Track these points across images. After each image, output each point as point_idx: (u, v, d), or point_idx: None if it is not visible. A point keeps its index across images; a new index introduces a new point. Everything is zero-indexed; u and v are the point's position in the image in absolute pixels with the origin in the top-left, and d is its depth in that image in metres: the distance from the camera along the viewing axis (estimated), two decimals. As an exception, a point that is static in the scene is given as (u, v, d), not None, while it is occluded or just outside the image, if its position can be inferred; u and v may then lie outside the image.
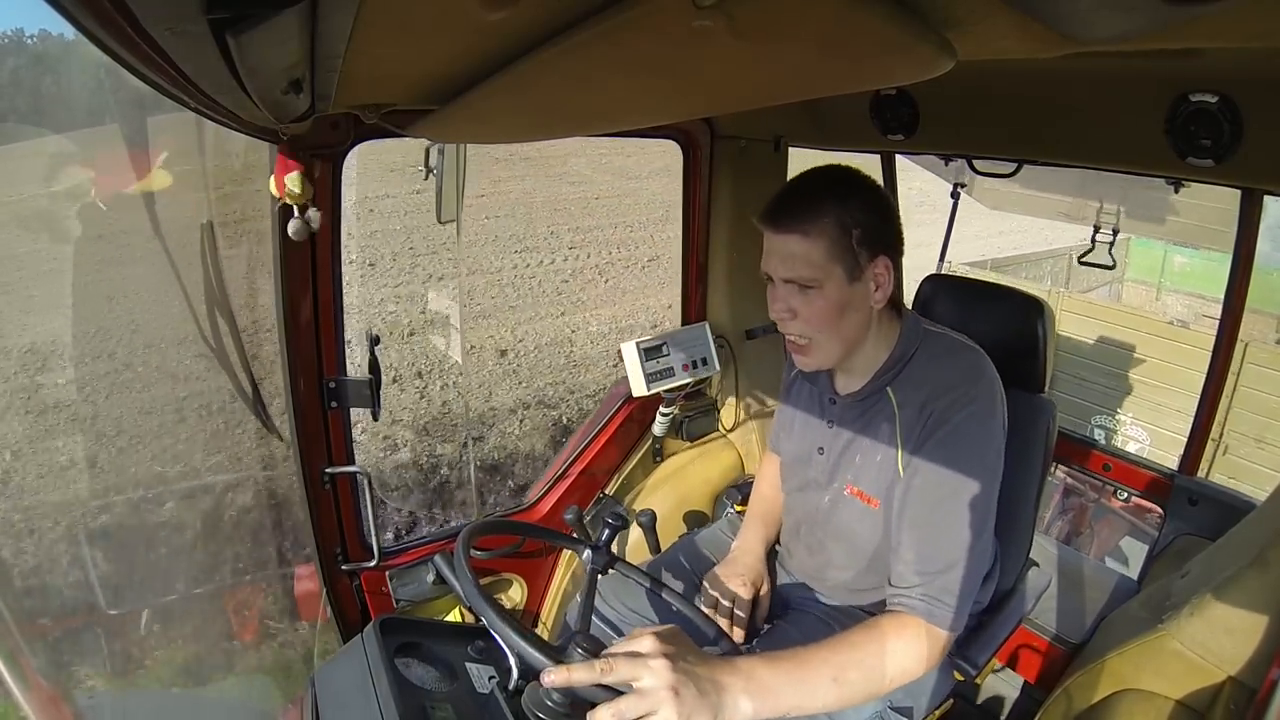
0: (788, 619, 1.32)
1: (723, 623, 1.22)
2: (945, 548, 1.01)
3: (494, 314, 7.00)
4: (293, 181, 1.07)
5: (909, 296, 1.26)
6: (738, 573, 1.29)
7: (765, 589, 1.31)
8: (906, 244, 1.12)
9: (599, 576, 1.20)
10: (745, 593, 1.26)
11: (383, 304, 7.03)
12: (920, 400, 1.06)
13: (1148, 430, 4.42)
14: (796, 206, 1.04)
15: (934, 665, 1.01)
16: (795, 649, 0.92)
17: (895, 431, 1.09)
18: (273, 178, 1.10)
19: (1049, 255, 7.42)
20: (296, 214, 1.12)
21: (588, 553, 1.22)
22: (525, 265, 8.21)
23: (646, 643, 0.80)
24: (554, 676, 0.79)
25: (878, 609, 1.22)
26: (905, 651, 0.96)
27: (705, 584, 1.31)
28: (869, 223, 1.04)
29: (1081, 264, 2.43)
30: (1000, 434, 1.07)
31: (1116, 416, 4.53)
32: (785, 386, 1.36)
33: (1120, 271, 7.32)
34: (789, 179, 1.09)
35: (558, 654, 0.87)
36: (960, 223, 2.94)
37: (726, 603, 1.25)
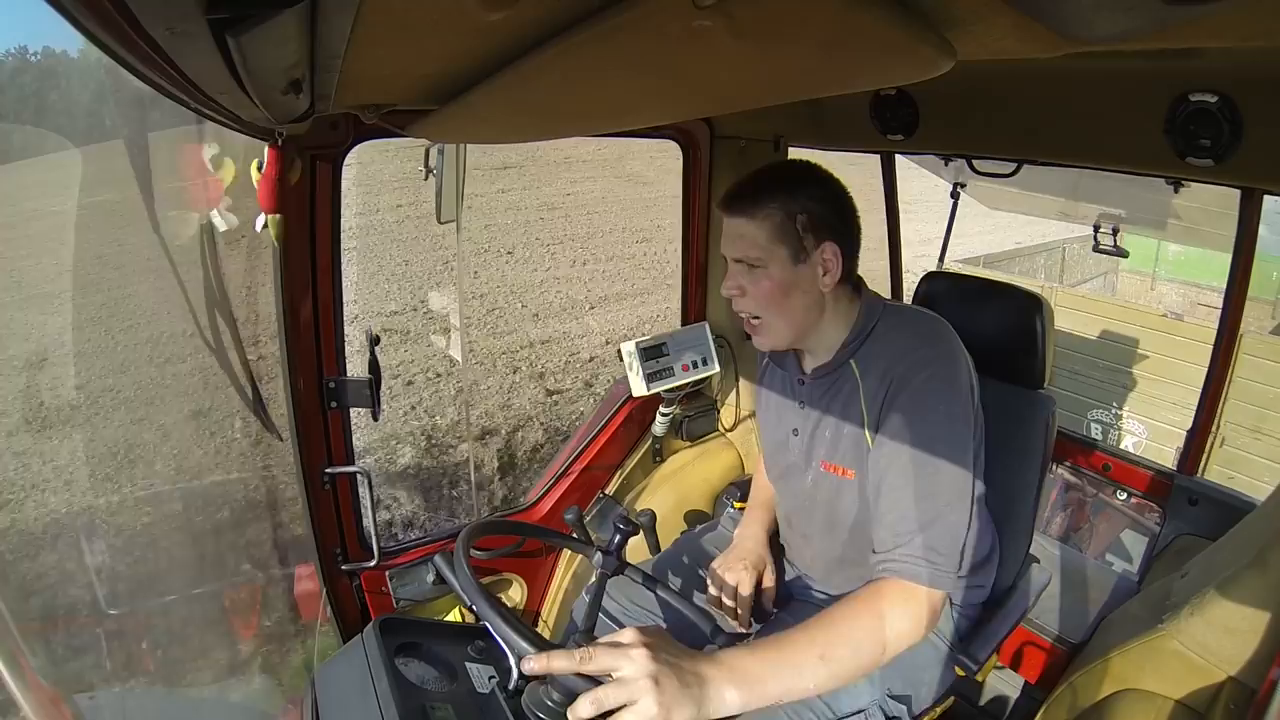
0: (788, 611, 1.32)
1: (726, 609, 1.24)
2: (922, 507, 1.00)
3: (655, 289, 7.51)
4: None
5: (908, 294, 1.26)
6: (739, 558, 1.31)
7: (770, 575, 1.31)
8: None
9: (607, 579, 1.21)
10: (747, 577, 1.27)
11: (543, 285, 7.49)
12: (882, 368, 1.10)
13: (1144, 424, 4.41)
14: (746, 193, 1.12)
15: (930, 626, 0.98)
16: (777, 635, 0.90)
17: (860, 400, 1.13)
18: (259, 184, 1.09)
19: (1042, 249, 7.41)
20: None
21: (599, 556, 1.22)
22: (650, 253, 8.70)
23: (628, 634, 0.80)
24: (533, 664, 0.80)
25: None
26: (896, 615, 0.94)
27: (710, 574, 1.31)
28: (816, 211, 1.10)
29: (1097, 250, 2.43)
30: (967, 394, 1.08)
31: (1113, 411, 4.52)
32: (759, 372, 1.38)
33: (1114, 262, 7.30)
34: (744, 175, 1.17)
35: (547, 646, 0.88)
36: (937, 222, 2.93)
37: (729, 592, 1.26)
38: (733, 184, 1.15)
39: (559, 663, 0.79)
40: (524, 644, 0.89)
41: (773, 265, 1.11)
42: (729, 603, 1.25)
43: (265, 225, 1.13)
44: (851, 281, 1.17)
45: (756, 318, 1.15)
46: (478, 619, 1.03)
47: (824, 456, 1.19)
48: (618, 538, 1.23)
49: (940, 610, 1.01)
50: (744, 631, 1.30)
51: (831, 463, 1.18)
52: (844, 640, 0.90)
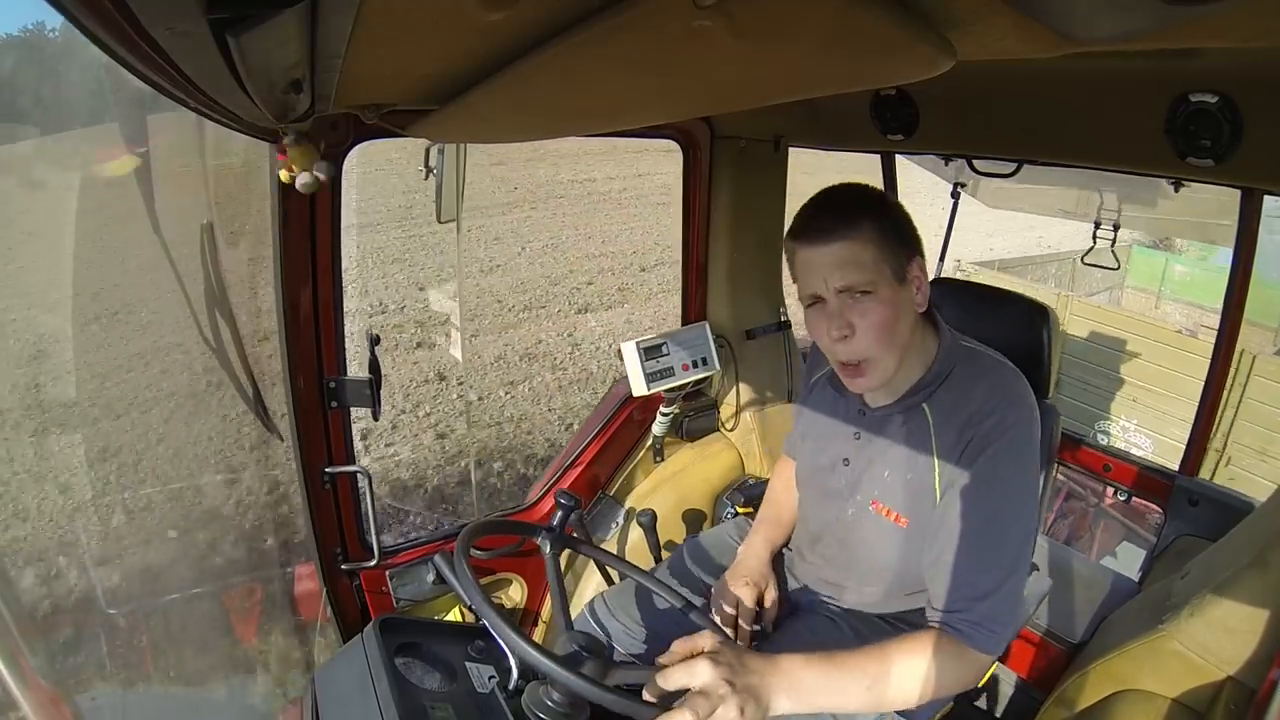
0: (799, 619, 1.31)
1: (729, 630, 1.22)
2: (988, 574, 1.00)
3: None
4: (294, 155, 1.05)
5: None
6: (741, 576, 1.29)
7: (772, 594, 1.30)
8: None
9: (608, 584, 1.21)
10: (749, 594, 1.26)
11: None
12: (960, 422, 1.05)
13: (1151, 438, 4.41)
14: (837, 215, 1.02)
15: (969, 686, 1.03)
16: (834, 653, 0.95)
17: (931, 450, 1.07)
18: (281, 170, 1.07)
19: (1054, 258, 7.43)
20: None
21: (543, 535, 1.22)
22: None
23: (704, 673, 0.84)
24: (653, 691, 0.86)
25: (890, 619, 1.22)
26: (946, 670, 0.97)
27: (713, 592, 1.30)
28: (898, 224, 1.04)
29: (1085, 264, 2.43)
30: (1038, 453, 1.06)
31: (1121, 423, 4.52)
32: (805, 389, 1.34)
33: (1121, 278, 7.32)
34: (809, 199, 1.08)
35: (540, 646, 0.89)
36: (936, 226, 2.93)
37: (731, 610, 1.25)
38: (806, 214, 1.05)
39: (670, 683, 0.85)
40: (524, 644, 0.89)
41: (882, 288, 1.01)
42: (729, 619, 1.24)
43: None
44: (927, 309, 1.10)
45: (860, 359, 1.04)
46: (478, 619, 1.03)
47: (877, 496, 1.14)
48: (559, 513, 1.24)
49: (985, 670, 1.04)
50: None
51: (885, 505, 1.13)
52: (892, 676, 0.95)
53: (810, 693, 0.90)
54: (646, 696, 0.86)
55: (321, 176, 1.07)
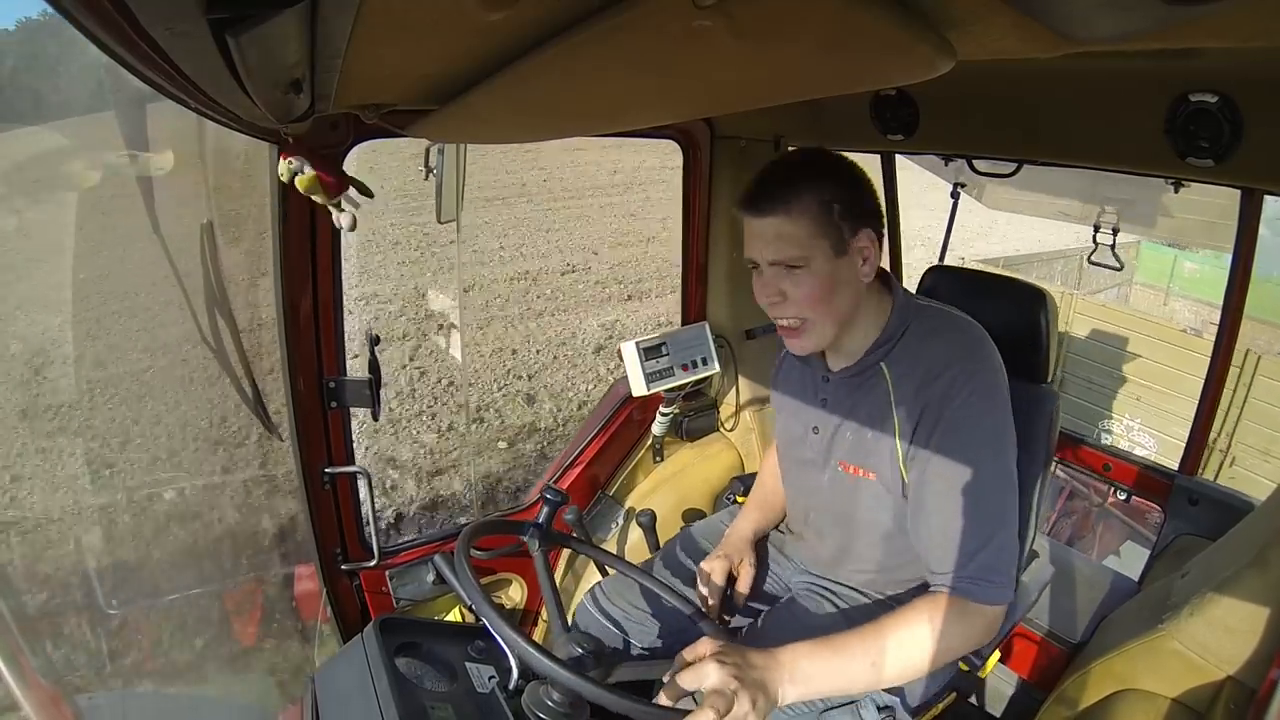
0: (795, 605, 1.32)
1: (700, 597, 1.26)
2: (976, 529, 1.01)
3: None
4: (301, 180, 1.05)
5: (911, 288, 1.26)
6: (721, 552, 1.32)
7: (747, 570, 1.32)
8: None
9: (602, 575, 1.21)
10: (720, 566, 1.29)
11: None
12: (917, 379, 1.07)
13: (1155, 437, 4.40)
14: (774, 188, 1.04)
15: (991, 636, 1.04)
16: (833, 637, 0.96)
17: (891, 406, 1.10)
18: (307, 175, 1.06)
19: (1059, 256, 7.41)
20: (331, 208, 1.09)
21: (531, 532, 1.22)
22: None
23: (714, 674, 0.86)
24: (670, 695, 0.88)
25: (887, 594, 1.23)
26: (952, 631, 0.98)
27: (698, 572, 1.32)
28: (848, 197, 1.05)
29: (1091, 264, 2.43)
30: (1006, 402, 1.07)
31: (1125, 422, 4.52)
32: (775, 369, 1.36)
33: (1129, 274, 7.29)
34: (761, 170, 1.10)
35: (540, 647, 0.89)
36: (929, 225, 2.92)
37: (703, 579, 1.28)
38: (752, 182, 1.07)
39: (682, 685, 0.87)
40: (525, 644, 0.89)
41: (815, 262, 1.04)
42: (703, 590, 1.27)
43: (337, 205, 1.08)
44: (881, 275, 1.13)
45: (797, 321, 1.08)
46: (478, 619, 1.03)
47: (843, 457, 1.17)
48: (544, 510, 1.24)
49: (1000, 621, 1.04)
50: (728, 624, 1.31)
51: (850, 464, 1.16)
52: (895, 649, 0.96)
53: (814, 680, 0.92)
54: (663, 700, 0.88)
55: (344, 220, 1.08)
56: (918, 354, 1.09)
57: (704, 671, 0.86)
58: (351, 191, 1.07)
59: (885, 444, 1.10)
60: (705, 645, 0.90)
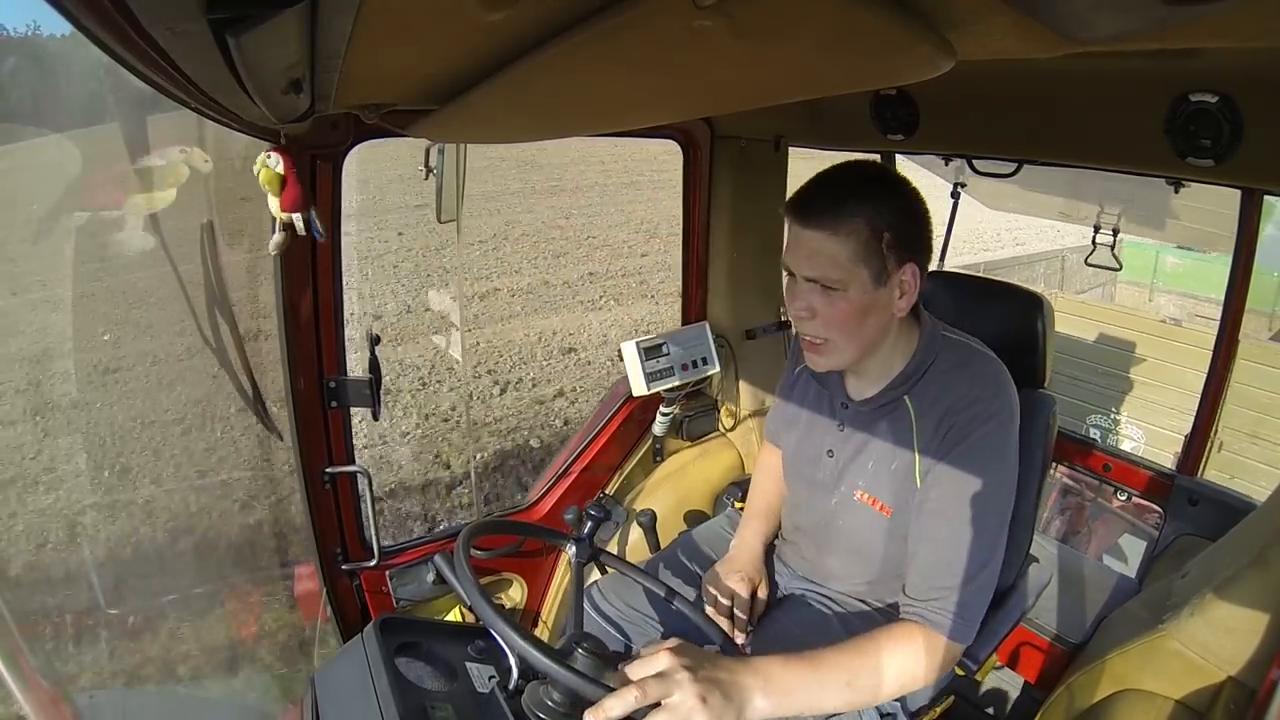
0: (785, 611, 1.32)
1: (723, 622, 1.22)
2: (964, 562, 1.01)
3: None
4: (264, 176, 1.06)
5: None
6: (735, 570, 1.29)
7: (763, 588, 1.31)
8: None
9: (601, 574, 1.21)
10: (744, 590, 1.26)
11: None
12: (940, 412, 1.05)
13: (1142, 429, 4.42)
14: (828, 202, 0.99)
15: (942, 675, 1.04)
16: (810, 652, 0.94)
17: (913, 440, 1.08)
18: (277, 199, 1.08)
19: (1042, 257, 7.41)
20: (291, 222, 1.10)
21: (572, 547, 1.23)
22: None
23: (664, 660, 0.83)
24: (594, 717, 0.80)
25: (879, 604, 1.22)
26: (917, 661, 0.98)
27: (705, 583, 1.30)
28: (900, 226, 1.00)
29: (1089, 265, 2.43)
30: (1017, 444, 1.07)
31: (1111, 415, 4.53)
32: (789, 380, 1.34)
33: (1112, 274, 7.30)
34: (821, 170, 1.04)
35: (560, 655, 0.88)
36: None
37: (725, 601, 1.25)
38: (807, 186, 1.03)
39: (616, 708, 0.79)
40: (524, 644, 0.89)
41: (853, 288, 1.00)
42: (724, 621, 1.23)
43: (286, 228, 1.10)
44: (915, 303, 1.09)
45: (821, 339, 1.06)
46: (478, 619, 1.03)
47: (861, 486, 1.15)
48: (589, 524, 1.25)
49: (956, 659, 1.04)
50: (738, 638, 1.30)
51: (869, 495, 1.14)
52: (871, 672, 0.95)
53: (788, 693, 0.88)
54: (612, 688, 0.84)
55: (316, 233, 1.11)
56: (943, 388, 1.07)
57: (654, 658, 0.83)
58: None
59: (906, 478, 1.09)
60: (671, 641, 0.88)
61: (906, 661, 0.97)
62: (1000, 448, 1.04)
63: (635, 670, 0.83)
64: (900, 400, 1.10)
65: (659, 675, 0.81)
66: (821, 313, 1.03)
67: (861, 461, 1.15)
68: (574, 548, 1.23)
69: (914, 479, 1.08)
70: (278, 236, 1.11)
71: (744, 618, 1.24)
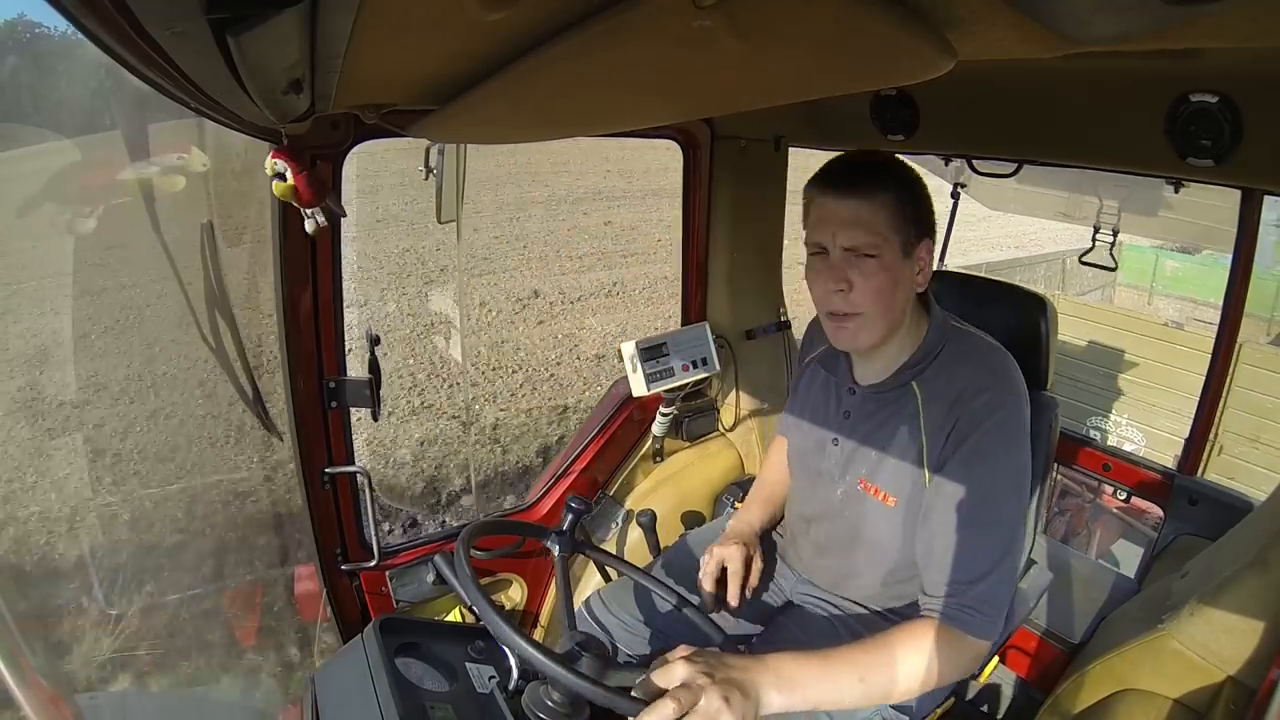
0: (790, 615, 1.31)
1: (708, 584, 1.23)
2: (980, 558, 1.00)
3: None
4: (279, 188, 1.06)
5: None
6: (731, 539, 1.28)
7: (756, 562, 1.28)
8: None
9: (605, 580, 1.21)
10: (736, 553, 1.24)
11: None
12: (948, 401, 1.05)
13: (1143, 431, 4.42)
14: (861, 172, 1.03)
15: (968, 673, 1.03)
16: (823, 650, 0.95)
17: (920, 429, 1.08)
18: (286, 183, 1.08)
19: (1043, 260, 7.43)
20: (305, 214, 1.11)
21: (553, 538, 1.23)
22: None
23: (683, 669, 0.84)
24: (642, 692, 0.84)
25: (889, 612, 1.22)
26: (940, 659, 0.97)
27: (701, 561, 1.29)
28: (919, 204, 1.05)
29: (1083, 264, 2.43)
30: (1027, 436, 1.07)
31: (1111, 417, 4.53)
32: (799, 371, 1.34)
33: (1112, 275, 7.32)
34: (840, 155, 1.09)
35: (540, 646, 0.89)
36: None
37: (716, 565, 1.24)
38: (834, 165, 1.05)
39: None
40: (525, 644, 0.89)
41: (887, 255, 1.02)
42: (713, 577, 1.23)
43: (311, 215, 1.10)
44: (925, 289, 1.12)
45: (853, 315, 1.05)
46: (478, 619, 1.04)
47: (865, 475, 1.15)
48: (569, 517, 1.25)
49: (981, 657, 1.02)
50: (738, 633, 1.30)
51: (872, 484, 1.14)
52: (885, 668, 0.94)
53: (801, 687, 0.89)
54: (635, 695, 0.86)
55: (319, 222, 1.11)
56: (951, 376, 1.07)
57: (672, 671, 0.85)
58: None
59: (912, 471, 1.08)
60: (681, 650, 0.89)
61: (922, 658, 0.96)
62: (1014, 435, 1.03)
63: (658, 678, 0.85)
64: (907, 386, 1.10)
65: (685, 687, 0.83)
66: (858, 284, 1.03)
67: (866, 450, 1.15)
68: (554, 539, 1.23)
69: (922, 468, 1.07)
70: (309, 225, 1.11)
71: (738, 582, 1.23)
